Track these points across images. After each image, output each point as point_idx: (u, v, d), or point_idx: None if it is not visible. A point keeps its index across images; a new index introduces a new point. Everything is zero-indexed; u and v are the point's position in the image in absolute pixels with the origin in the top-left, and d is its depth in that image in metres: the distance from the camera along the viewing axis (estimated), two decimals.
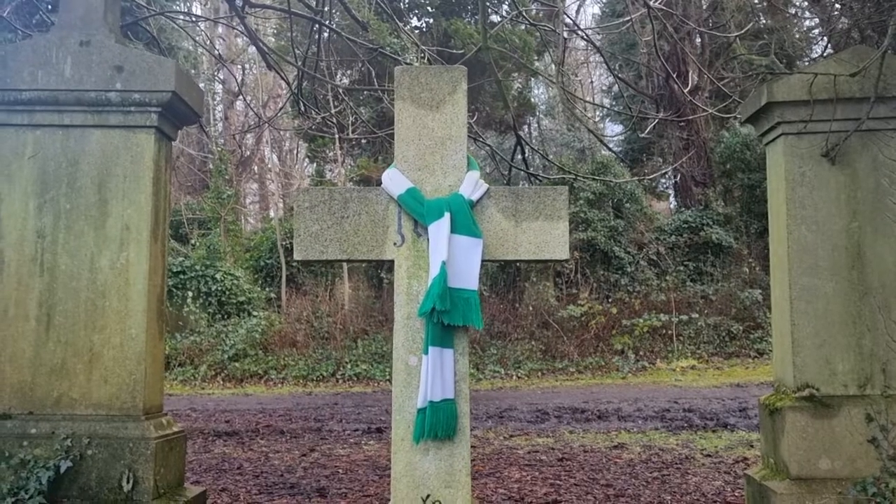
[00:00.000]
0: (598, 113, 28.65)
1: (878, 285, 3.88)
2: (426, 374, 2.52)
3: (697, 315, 16.36)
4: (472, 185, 2.69)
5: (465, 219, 2.60)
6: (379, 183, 2.81)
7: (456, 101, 2.71)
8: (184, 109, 4.23)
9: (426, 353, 2.53)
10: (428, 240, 2.59)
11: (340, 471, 6.92)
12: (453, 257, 2.55)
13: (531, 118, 27.04)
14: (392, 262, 2.72)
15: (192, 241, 20.08)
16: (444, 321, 2.53)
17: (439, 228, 2.57)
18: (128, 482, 3.76)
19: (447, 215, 2.59)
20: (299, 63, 6.28)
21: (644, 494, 5.78)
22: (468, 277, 2.58)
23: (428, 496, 2.55)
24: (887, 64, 3.86)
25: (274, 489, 6.20)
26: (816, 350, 3.88)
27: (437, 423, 2.53)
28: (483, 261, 2.62)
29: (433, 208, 2.63)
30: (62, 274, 3.96)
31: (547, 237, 2.66)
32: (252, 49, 28.21)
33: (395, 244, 2.68)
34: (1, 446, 3.76)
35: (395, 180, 2.72)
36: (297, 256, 2.75)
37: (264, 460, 7.45)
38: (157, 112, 4.03)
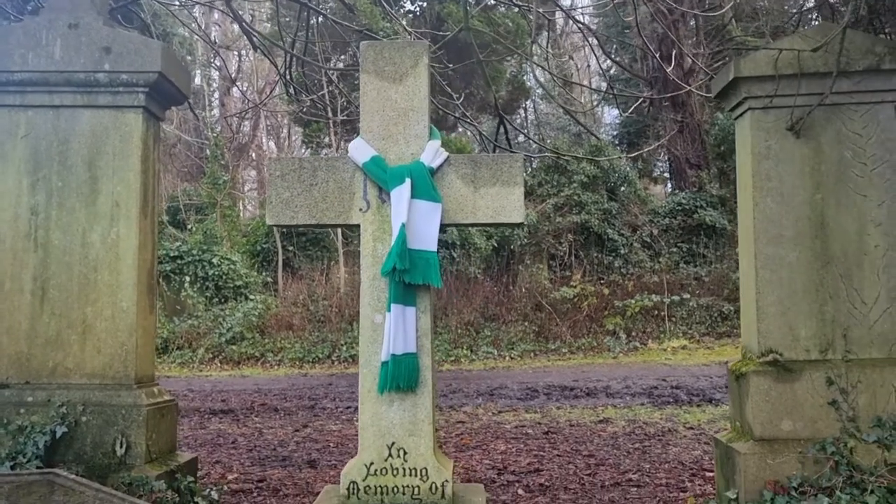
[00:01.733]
0: (593, 97, 28.72)
1: (840, 254, 4.03)
2: (389, 329, 2.68)
3: (689, 296, 16.54)
4: (432, 153, 2.84)
5: (425, 184, 2.77)
6: None
7: (418, 73, 2.86)
8: (171, 90, 4.37)
9: (389, 310, 2.70)
10: (391, 205, 2.75)
11: (331, 444, 7.11)
12: (413, 220, 2.72)
13: (526, 102, 27.07)
14: (359, 227, 2.87)
15: (190, 227, 20.21)
16: (405, 280, 2.71)
17: (400, 193, 2.73)
18: (121, 447, 3.93)
19: (408, 181, 2.75)
20: (287, 47, 6.40)
21: (624, 463, 5.97)
22: (428, 239, 2.74)
23: (393, 444, 2.73)
24: (850, 39, 3.99)
25: (266, 461, 6.39)
26: (780, 317, 4.03)
27: (400, 375, 2.71)
28: (443, 224, 2.79)
29: (395, 175, 2.79)
30: (55, 249, 4.11)
31: (504, 202, 2.81)
32: None
33: (360, 210, 2.84)
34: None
35: (360, 149, 2.87)
36: (268, 221, 2.90)
37: (258, 435, 7.64)
38: (145, 92, 4.17)
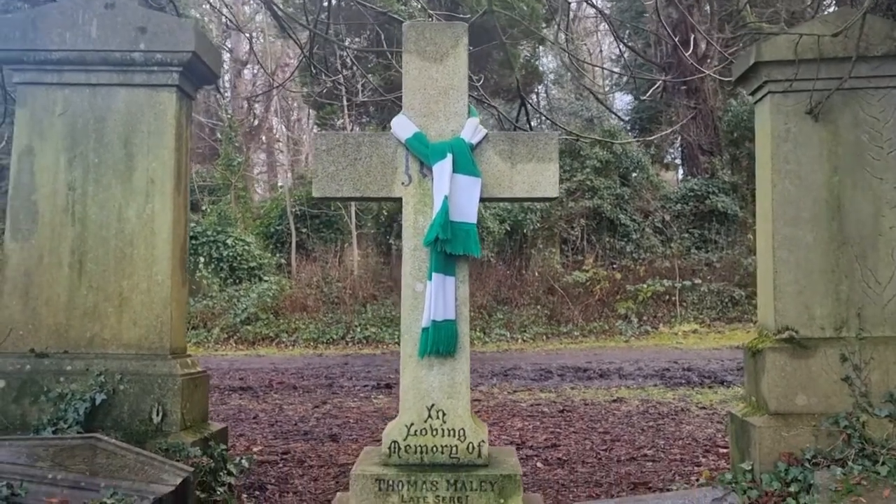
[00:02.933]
0: (606, 82, 28.66)
1: (855, 235, 4.12)
2: (430, 297, 2.83)
3: (701, 281, 16.62)
4: (472, 130, 2.98)
5: (465, 160, 2.91)
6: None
7: (458, 54, 2.99)
8: (203, 69, 4.48)
9: (430, 279, 2.85)
10: (432, 179, 2.88)
11: (351, 420, 7.27)
12: (454, 194, 2.85)
13: (539, 86, 27.03)
14: (400, 201, 3.00)
15: (204, 208, 20.39)
16: (446, 250, 2.85)
17: (442, 168, 2.87)
18: (157, 414, 4.09)
19: (449, 156, 2.89)
20: (311, 25, 6.50)
21: (639, 440, 6.11)
22: (468, 212, 2.89)
23: (432, 405, 2.88)
24: (869, 24, 4.05)
25: (289, 435, 6.56)
26: (796, 296, 4.14)
27: (439, 340, 2.86)
28: (482, 199, 2.94)
29: (437, 150, 2.93)
30: (92, 224, 4.25)
31: (539, 177, 2.95)
32: (259, 17, 28.21)
33: (402, 183, 2.97)
34: (40, 381, 4.09)
35: (402, 126, 3.01)
36: (315, 194, 3.03)
37: (278, 411, 7.81)
38: (178, 71, 4.28)
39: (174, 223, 4.29)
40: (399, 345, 2.91)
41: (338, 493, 3.51)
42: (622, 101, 30.94)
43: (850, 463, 3.68)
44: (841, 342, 4.06)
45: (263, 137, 33.00)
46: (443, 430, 2.87)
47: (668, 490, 4.45)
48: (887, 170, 4.14)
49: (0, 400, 4.07)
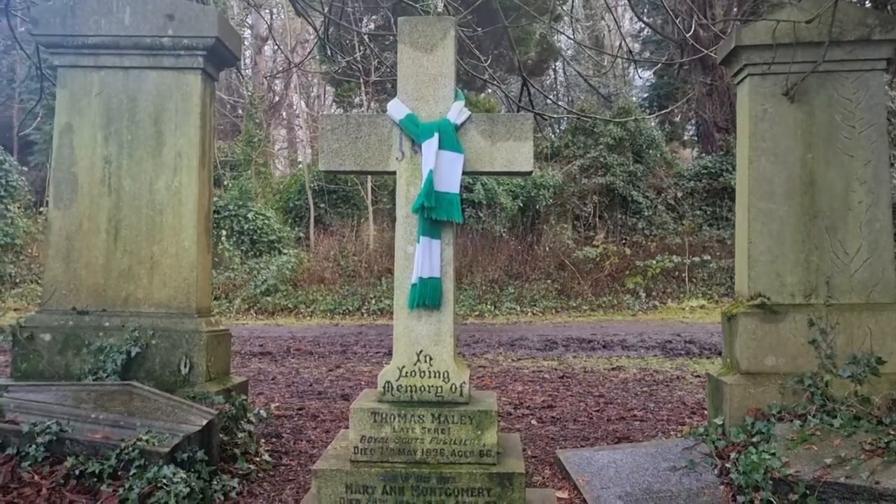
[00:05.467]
0: (616, 61, 28.61)
1: (826, 209, 4.45)
2: (418, 257, 3.26)
3: (711, 258, 16.86)
4: (457, 112, 3.40)
5: (450, 138, 3.32)
6: None
7: (446, 45, 3.39)
8: (225, 53, 4.88)
9: (418, 241, 3.27)
10: (422, 155, 3.28)
11: (363, 383, 7.73)
12: (439, 167, 3.27)
13: (555, 63, 27.11)
14: (395, 174, 3.41)
15: (225, 183, 20.90)
16: (432, 216, 3.29)
17: (430, 145, 3.30)
18: (185, 366, 4.54)
19: (436, 135, 3.32)
20: (326, 10, 6.85)
21: (631, 403, 6.50)
22: (451, 183, 3.31)
23: (421, 351, 3.31)
24: (843, 11, 4.36)
25: (304, 395, 7.03)
26: (769, 265, 4.48)
27: (426, 294, 3.31)
28: (466, 172, 3.36)
29: (426, 130, 3.37)
30: (126, 194, 4.69)
31: (516, 154, 3.36)
32: None
33: (396, 159, 3.39)
34: (82, 336, 4.56)
35: (397, 108, 3.42)
36: (321, 167, 3.44)
37: (295, 374, 8.29)
38: (203, 55, 4.68)
39: (199, 195, 4.71)
40: None
41: (341, 430, 3.96)
42: (640, 76, 30.93)
43: (810, 417, 4.04)
44: (810, 308, 4.40)
45: (284, 114, 33.40)
46: (430, 372, 3.30)
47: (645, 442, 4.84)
48: (859, 148, 4.45)
49: (46, 352, 4.55)
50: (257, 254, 18.04)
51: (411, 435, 3.20)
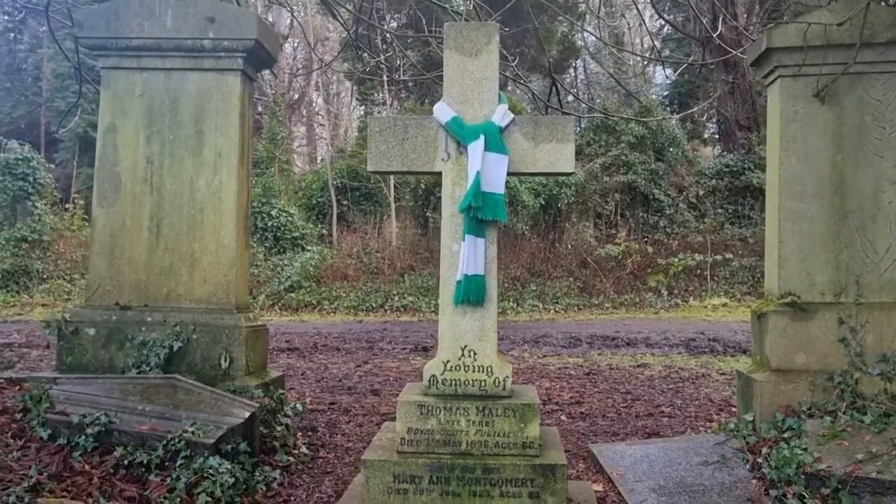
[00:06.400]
0: (637, 60, 28.54)
1: (856, 209, 4.49)
2: (463, 255, 3.38)
3: (733, 256, 16.83)
4: (501, 115, 3.51)
5: (495, 140, 3.44)
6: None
7: (490, 49, 3.50)
8: (263, 55, 4.99)
9: (463, 239, 3.38)
10: (467, 156, 3.40)
11: (391, 378, 7.85)
12: (486, 169, 3.38)
13: (576, 61, 27.10)
14: (440, 176, 3.54)
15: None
16: (477, 216, 3.40)
17: (476, 147, 3.41)
18: (225, 361, 4.67)
19: (482, 137, 3.43)
20: (354, 8, 6.96)
21: (658, 399, 6.56)
22: (497, 184, 3.43)
23: (465, 346, 3.42)
24: (874, 13, 4.39)
25: (334, 390, 7.16)
26: (799, 264, 4.53)
27: (470, 291, 3.43)
28: (510, 173, 3.48)
29: (472, 132, 3.48)
30: (167, 193, 4.82)
31: (558, 155, 3.48)
32: None
33: (442, 160, 3.50)
34: (125, 330, 4.70)
35: (443, 111, 3.54)
36: (370, 168, 3.57)
37: (324, 369, 8.43)
38: (243, 57, 4.80)
39: (238, 193, 4.84)
40: (436, 314, 3.40)
41: (384, 423, 4.08)
42: (661, 75, 30.84)
43: (840, 414, 4.09)
44: (839, 307, 4.45)
45: (304, 111, 33.65)
46: (474, 366, 3.41)
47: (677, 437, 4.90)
48: (888, 149, 4.48)
49: (91, 345, 4.70)
50: (281, 250, 18.25)
51: (456, 427, 3.31)
